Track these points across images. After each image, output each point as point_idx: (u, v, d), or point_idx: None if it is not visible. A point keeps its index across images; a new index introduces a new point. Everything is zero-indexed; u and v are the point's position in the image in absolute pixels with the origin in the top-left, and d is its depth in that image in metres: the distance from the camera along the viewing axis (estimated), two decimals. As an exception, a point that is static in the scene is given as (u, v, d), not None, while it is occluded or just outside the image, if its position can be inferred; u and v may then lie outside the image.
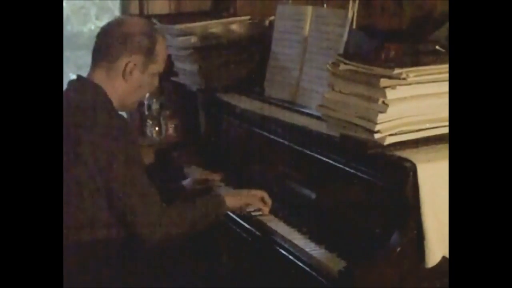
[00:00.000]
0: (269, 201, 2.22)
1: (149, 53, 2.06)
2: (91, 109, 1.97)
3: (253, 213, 2.22)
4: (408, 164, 1.76)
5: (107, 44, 2.05)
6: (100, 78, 2.04)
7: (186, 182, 2.51)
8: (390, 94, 1.75)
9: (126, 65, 2.03)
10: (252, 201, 2.21)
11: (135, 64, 2.04)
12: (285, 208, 2.23)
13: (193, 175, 2.58)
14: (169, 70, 3.01)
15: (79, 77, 2.08)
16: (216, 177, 2.55)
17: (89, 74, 2.07)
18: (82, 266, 1.95)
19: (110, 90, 2.04)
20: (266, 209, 2.21)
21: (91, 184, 1.93)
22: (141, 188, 1.97)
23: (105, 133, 1.93)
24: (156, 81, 2.16)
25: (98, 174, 1.92)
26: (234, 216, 2.29)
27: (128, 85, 2.06)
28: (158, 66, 2.11)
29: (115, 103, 2.06)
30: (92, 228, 1.96)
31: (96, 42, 2.09)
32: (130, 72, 2.04)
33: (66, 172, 1.83)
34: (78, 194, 1.93)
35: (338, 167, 2.00)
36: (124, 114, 2.95)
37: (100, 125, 1.94)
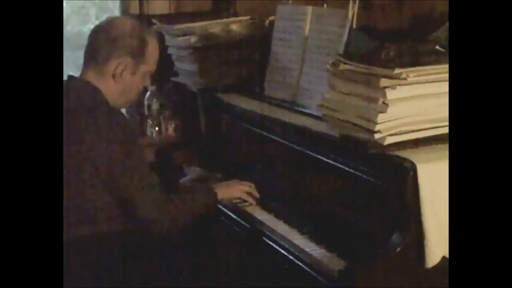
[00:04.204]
0: (256, 194, 2.33)
1: (139, 54, 2.09)
2: (90, 106, 2.01)
3: (239, 205, 2.31)
4: (408, 164, 1.76)
5: (97, 46, 2.08)
6: (93, 78, 2.08)
7: (183, 180, 2.55)
8: (390, 94, 1.75)
9: (116, 67, 2.07)
10: (241, 195, 2.31)
11: (125, 66, 2.08)
12: (285, 208, 2.23)
13: (191, 174, 2.62)
14: (169, 70, 3.01)
15: (72, 77, 2.12)
16: (215, 176, 2.58)
17: (81, 75, 2.11)
18: (83, 261, 1.98)
19: (103, 90, 2.07)
20: (253, 201, 2.31)
21: (94, 178, 1.96)
22: (145, 179, 2.03)
23: (105, 128, 1.97)
24: (147, 81, 2.21)
25: (101, 168, 1.95)
26: (234, 216, 2.30)
27: (119, 86, 2.10)
28: (149, 67, 2.15)
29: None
30: (94, 222, 1.99)
31: (87, 44, 2.12)
32: (121, 74, 2.08)
33: (68, 169, 1.87)
34: (80, 189, 1.97)
35: (338, 167, 2.00)
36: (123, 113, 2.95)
37: (100, 121, 1.98)
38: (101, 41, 2.08)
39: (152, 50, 2.14)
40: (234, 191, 2.32)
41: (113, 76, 2.07)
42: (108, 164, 1.96)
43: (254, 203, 2.31)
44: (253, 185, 2.34)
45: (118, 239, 2.03)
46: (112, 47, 2.06)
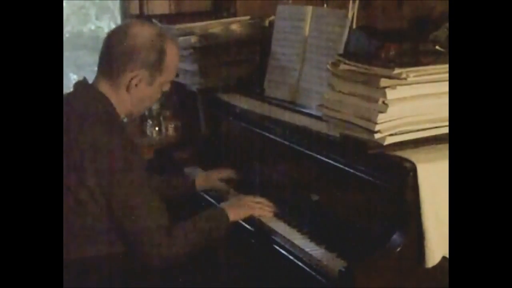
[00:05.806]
0: (271, 207, 2.22)
1: (156, 66, 2.01)
2: (96, 124, 1.93)
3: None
4: (408, 164, 1.76)
5: (112, 55, 1.99)
6: (105, 87, 2.01)
7: (197, 180, 2.50)
8: (390, 94, 1.75)
9: (131, 79, 1.99)
10: (256, 212, 2.20)
11: (140, 79, 2.00)
12: (285, 208, 2.23)
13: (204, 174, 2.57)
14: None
15: (85, 83, 2.05)
16: (229, 174, 2.54)
17: (95, 82, 2.04)
18: (83, 283, 1.93)
19: (115, 100, 2.01)
20: (270, 215, 2.21)
21: (93, 202, 1.90)
22: (147, 211, 1.94)
23: (108, 152, 1.89)
24: (166, 87, 2.12)
25: (100, 194, 1.90)
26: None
27: (134, 96, 2.03)
28: (167, 76, 2.07)
29: (122, 112, 2.04)
30: (94, 244, 1.94)
31: (102, 49, 2.04)
32: (136, 85, 2.00)
33: (67, 189, 1.84)
34: (79, 211, 1.91)
35: (338, 167, 2.00)
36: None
37: (104, 142, 1.90)
38: (117, 51, 1.98)
39: (171, 59, 2.05)
40: (247, 210, 2.19)
41: (127, 88, 2.00)
42: (107, 189, 1.89)
43: (271, 215, 2.21)
44: (265, 201, 2.24)
45: (118, 261, 1.96)
46: (127, 59, 1.97)
